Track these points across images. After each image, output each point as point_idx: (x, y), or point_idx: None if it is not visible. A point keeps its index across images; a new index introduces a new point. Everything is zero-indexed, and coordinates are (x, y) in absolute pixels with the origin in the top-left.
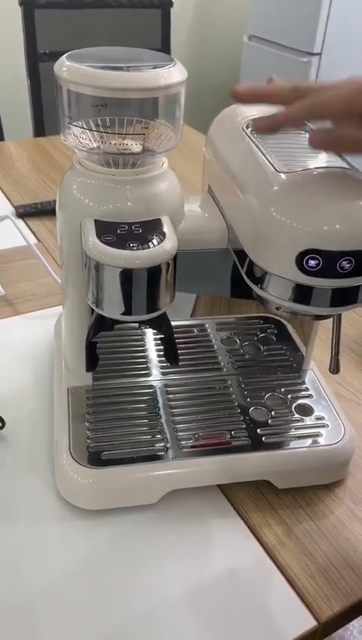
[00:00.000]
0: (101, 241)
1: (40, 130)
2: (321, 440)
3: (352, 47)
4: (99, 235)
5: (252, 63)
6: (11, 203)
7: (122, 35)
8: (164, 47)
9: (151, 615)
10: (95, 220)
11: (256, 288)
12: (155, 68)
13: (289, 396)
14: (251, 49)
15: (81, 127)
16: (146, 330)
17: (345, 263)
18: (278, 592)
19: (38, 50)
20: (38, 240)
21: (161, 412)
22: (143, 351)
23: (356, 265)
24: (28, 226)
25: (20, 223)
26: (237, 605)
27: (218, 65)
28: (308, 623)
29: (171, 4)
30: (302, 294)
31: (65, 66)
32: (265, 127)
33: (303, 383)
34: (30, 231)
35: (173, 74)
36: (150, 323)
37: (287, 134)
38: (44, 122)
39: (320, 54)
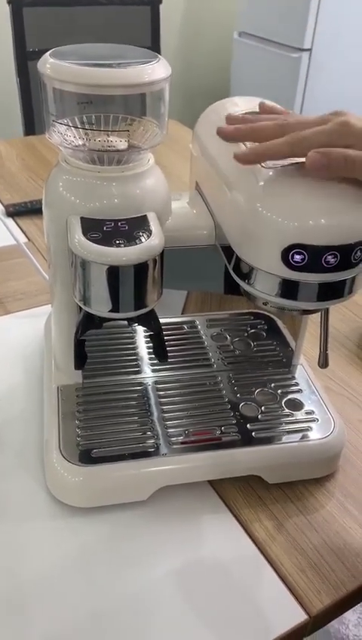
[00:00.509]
0: (87, 238)
1: (30, 128)
2: (311, 434)
3: (342, 42)
4: (85, 233)
5: (242, 60)
6: (1, 202)
7: (111, 33)
8: (154, 44)
9: (143, 611)
10: (81, 218)
11: (243, 284)
12: (139, 64)
13: (279, 391)
14: (241, 45)
15: (65, 125)
16: (136, 327)
17: (330, 257)
18: (269, 586)
19: (27, 48)
20: (28, 239)
21: (152, 409)
22: (133, 348)
23: (341, 259)
24: (18, 224)
25: (10, 222)
26: (228, 600)
27: (208, 61)
28: (299, 616)
29: (160, 1)
30: (289, 289)
31: (48, 64)
32: (247, 161)
33: (293, 377)
34: (20, 230)
35: (156, 70)
36: (138, 320)
37: None
38: (34, 121)
39: (310, 50)
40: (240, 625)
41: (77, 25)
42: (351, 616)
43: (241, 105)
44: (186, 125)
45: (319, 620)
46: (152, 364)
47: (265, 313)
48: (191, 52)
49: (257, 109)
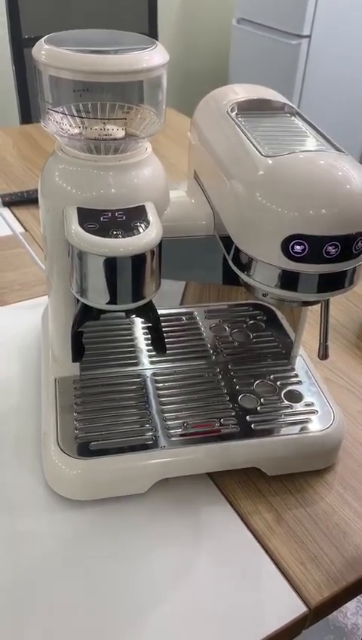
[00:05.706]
0: (84, 229)
1: (26, 117)
2: (311, 426)
3: (341, 28)
4: (81, 223)
5: (241, 47)
6: None
7: (109, 19)
8: (152, 30)
9: (141, 603)
10: (77, 208)
11: (242, 275)
12: (136, 51)
13: (278, 383)
14: (240, 32)
15: (61, 113)
16: (134, 318)
17: (330, 248)
18: (269, 578)
19: (23, 35)
20: (25, 229)
21: (150, 401)
22: (132, 340)
23: (342, 250)
24: (14, 214)
25: (6, 211)
26: (227, 593)
27: (207, 48)
28: (299, 609)
29: None
30: (289, 280)
31: (43, 50)
32: None
33: (293, 369)
34: (17, 220)
35: (154, 56)
36: (136, 312)
37: (273, 118)
38: (30, 109)
39: (309, 37)
40: (239, 617)
41: (74, 11)
42: (349, 604)
43: (240, 93)
44: (185, 113)
45: (319, 612)
46: (150, 356)
47: (265, 304)
48: (190, 39)
49: (256, 97)
